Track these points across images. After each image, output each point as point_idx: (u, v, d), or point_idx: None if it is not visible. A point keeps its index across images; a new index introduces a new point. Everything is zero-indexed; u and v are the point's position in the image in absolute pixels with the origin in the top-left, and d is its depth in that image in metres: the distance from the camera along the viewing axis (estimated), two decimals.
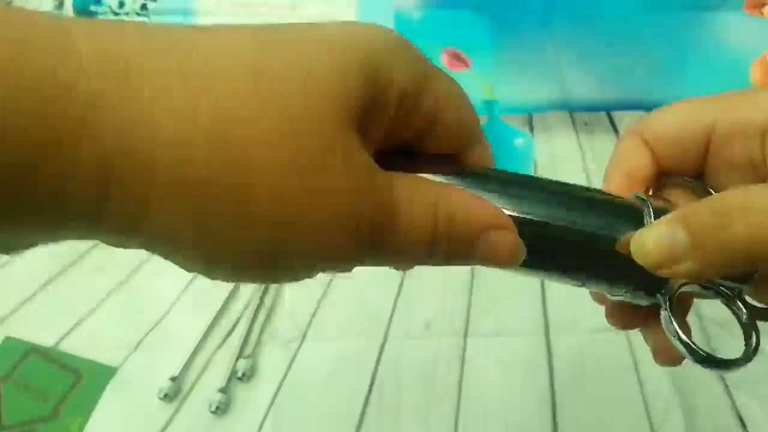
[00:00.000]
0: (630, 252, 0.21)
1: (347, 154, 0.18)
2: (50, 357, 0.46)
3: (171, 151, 0.15)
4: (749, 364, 0.22)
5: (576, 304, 0.48)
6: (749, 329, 0.23)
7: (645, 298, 0.23)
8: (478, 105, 0.60)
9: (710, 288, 0.23)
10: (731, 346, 0.23)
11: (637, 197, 0.24)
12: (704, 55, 0.62)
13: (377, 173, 0.19)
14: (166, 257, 0.17)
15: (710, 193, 0.25)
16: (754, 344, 0.22)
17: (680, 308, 0.23)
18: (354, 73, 0.18)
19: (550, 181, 0.23)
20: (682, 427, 0.41)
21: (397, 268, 0.22)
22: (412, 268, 0.22)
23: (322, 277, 0.49)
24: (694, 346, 0.22)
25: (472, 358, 0.45)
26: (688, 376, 0.43)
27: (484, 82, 0.63)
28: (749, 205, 0.19)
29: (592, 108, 0.60)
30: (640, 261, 0.21)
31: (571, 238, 0.22)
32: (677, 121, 0.25)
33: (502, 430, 0.42)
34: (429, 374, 0.45)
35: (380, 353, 0.46)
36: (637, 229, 0.22)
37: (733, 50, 0.61)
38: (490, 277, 0.50)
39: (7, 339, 0.47)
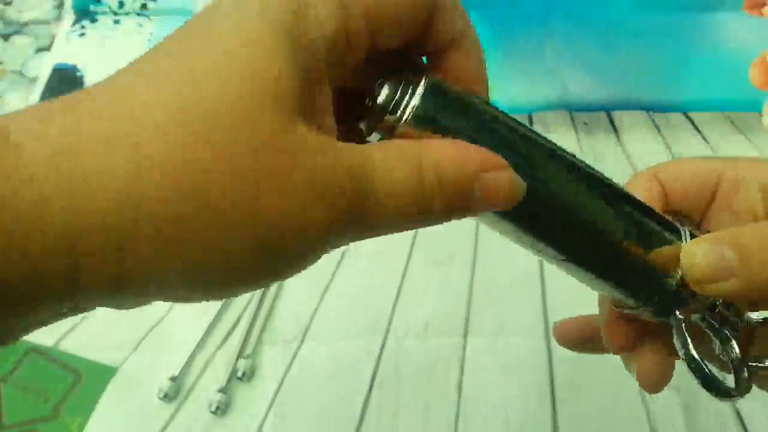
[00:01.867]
0: (664, 262, 0.22)
1: (292, 141, 0.17)
2: (50, 357, 0.46)
3: (129, 212, 0.15)
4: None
5: (576, 305, 0.48)
6: (739, 371, 0.23)
7: (659, 314, 0.23)
8: None
9: (714, 326, 0.24)
10: None
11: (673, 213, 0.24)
12: (704, 56, 0.62)
13: (338, 148, 0.18)
14: (158, 295, 0.17)
15: None
16: (743, 383, 0.23)
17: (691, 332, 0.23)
18: (270, 54, 0.17)
19: (592, 170, 0.22)
20: (683, 427, 0.41)
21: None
22: (420, 227, 0.20)
23: (322, 277, 0.50)
24: (709, 372, 0.22)
25: (472, 358, 0.45)
26: (687, 376, 0.43)
27: None
28: None
29: (591, 108, 0.60)
30: (686, 273, 0.22)
31: (606, 234, 0.21)
32: (690, 167, 0.28)
33: (502, 430, 0.42)
34: (429, 374, 0.45)
35: (380, 353, 0.46)
36: (671, 242, 0.22)
37: (733, 50, 0.61)
38: (490, 276, 0.50)
39: None
